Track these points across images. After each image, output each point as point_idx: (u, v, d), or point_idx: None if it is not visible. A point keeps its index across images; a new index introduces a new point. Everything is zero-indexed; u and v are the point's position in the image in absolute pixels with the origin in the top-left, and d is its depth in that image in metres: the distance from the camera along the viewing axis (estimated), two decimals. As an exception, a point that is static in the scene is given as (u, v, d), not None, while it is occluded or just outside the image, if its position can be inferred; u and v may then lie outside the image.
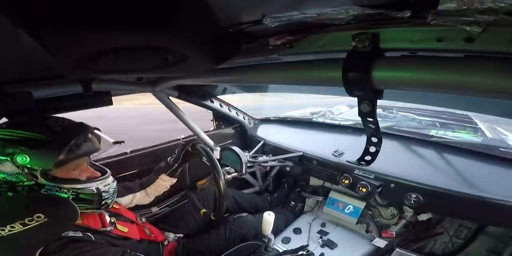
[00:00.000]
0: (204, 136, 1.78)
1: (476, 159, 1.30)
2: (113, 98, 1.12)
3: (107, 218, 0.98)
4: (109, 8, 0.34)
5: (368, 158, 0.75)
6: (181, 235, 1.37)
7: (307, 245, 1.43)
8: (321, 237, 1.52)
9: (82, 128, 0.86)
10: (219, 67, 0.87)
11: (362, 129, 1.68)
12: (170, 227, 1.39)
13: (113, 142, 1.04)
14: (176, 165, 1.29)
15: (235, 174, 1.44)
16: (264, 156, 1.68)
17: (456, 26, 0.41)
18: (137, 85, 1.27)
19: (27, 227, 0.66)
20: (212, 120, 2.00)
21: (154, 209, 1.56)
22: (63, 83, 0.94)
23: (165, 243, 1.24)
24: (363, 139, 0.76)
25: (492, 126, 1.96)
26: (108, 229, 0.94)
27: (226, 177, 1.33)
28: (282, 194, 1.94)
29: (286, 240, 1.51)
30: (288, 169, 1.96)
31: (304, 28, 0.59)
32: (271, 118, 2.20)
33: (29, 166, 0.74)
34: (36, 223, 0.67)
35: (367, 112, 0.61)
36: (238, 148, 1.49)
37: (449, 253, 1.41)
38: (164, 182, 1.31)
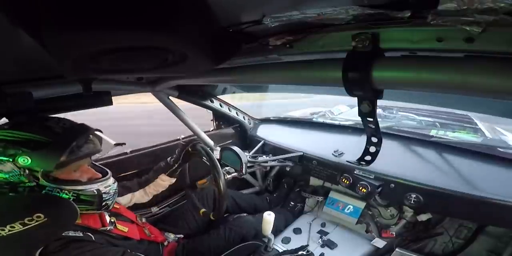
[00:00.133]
0: (204, 136, 1.78)
1: (476, 159, 1.30)
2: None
3: (107, 218, 0.98)
4: (109, 8, 0.34)
5: (368, 158, 0.75)
6: (181, 235, 1.37)
7: (307, 245, 1.43)
8: (321, 237, 1.51)
9: (84, 130, 0.86)
10: (219, 67, 0.87)
11: (362, 129, 1.68)
12: (170, 227, 1.39)
13: (115, 144, 1.04)
14: (176, 165, 1.29)
15: (235, 174, 1.44)
16: (264, 156, 1.68)
17: (456, 26, 0.41)
18: (137, 85, 1.27)
19: (27, 227, 0.66)
20: (212, 120, 2.00)
21: (154, 209, 1.56)
22: (63, 83, 0.94)
23: (165, 243, 1.24)
24: (363, 139, 0.76)
25: (492, 126, 1.96)
26: (108, 228, 0.94)
27: (226, 177, 1.33)
28: (282, 194, 1.94)
29: (286, 240, 1.51)
30: (288, 169, 1.96)
31: (304, 28, 0.59)
32: (271, 118, 2.20)
33: (30, 167, 0.74)
34: (36, 223, 0.67)
35: (367, 112, 0.61)
36: (238, 148, 1.49)
37: (449, 253, 1.41)
38: (163, 182, 1.31)
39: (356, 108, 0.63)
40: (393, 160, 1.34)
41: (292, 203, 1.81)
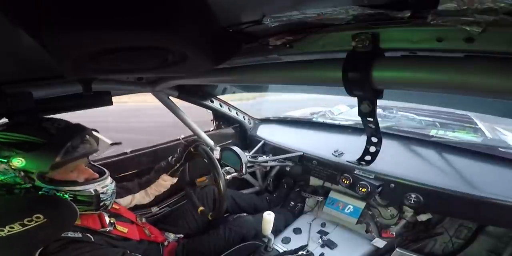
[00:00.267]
0: (204, 136, 1.78)
1: (476, 159, 1.30)
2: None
3: (107, 219, 0.98)
4: (109, 8, 0.34)
5: (368, 158, 0.75)
6: (181, 235, 1.37)
7: (307, 245, 1.43)
8: (321, 237, 1.51)
9: (79, 130, 0.85)
10: (219, 67, 0.87)
11: (362, 129, 1.68)
12: (170, 227, 1.39)
13: (111, 144, 1.04)
14: (178, 165, 1.29)
15: (235, 174, 1.44)
16: (264, 156, 1.68)
17: (456, 26, 0.41)
18: (137, 85, 1.28)
19: (26, 228, 0.66)
20: (212, 120, 2.00)
21: (154, 209, 1.56)
22: (63, 83, 0.94)
23: (165, 243, 1.24)
24: (363, 139, 0.76)
25: (492, 126, 1.96)
26: (108, 229, 0.94)
27: (226, 177, 1.33)
28: (282, 194, 1.94)
29: (286, 240, 1.51)
30: (288, 169, 1.96)
31: (304, 28, 0.59)
32: (271, 118, 2.20)
33: (25, 169, 0.74)
34: (36, 224, 0.66)
35: (367, 112, 0.61)
36: (238, 148, 1.49)
37: (449, 253, 1.41)
38: (165, 182, 1.30)
39: (356, 108, 0.63)
40: (393, 160, 1.34)
41: (292, 203, 1.81)
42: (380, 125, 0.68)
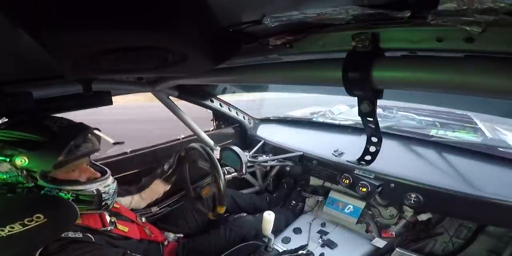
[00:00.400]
0: (204, 136, 1.78)
1: (476, 159, 1.30)
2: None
3: (107, 218, 0.98)
4: (109, 8, 0.34)
5: (368, 158, 0.75)
6: (181, 235, 1.37)
7: (307, 245, 1.43)
8: (321, 237, 1.51)
9: (82, 129, 0.85)
10: (219, 67, 0.86)
11: (362, 129, 1.68)
12: (170, 226, 1.39)
13: (113, 143, 1.04)
14: (170, 170, 1.31)
15: (235, 174, 1.44)
16: (264, 156, 1.68)
17: (456, 26, 0.41)
18: (137, 85, 1.27)
19: (26, 228, 0.66)
20: (212, 120, 2.00)
21: (154, 209, 1.56)
22: (63, 83, 0.94)
23: (165, 243, 1.24)
24: (363, 139, 0.76)
25: (492, 126, 1.96)
26: (109, 228, 0.94)
27: (226, 177, 1.33)
28: (282, 194, 1.94)
29: (286, 240, 1.51)
30: (288, 169, 1.96)
31: (304, 28, 0.59)
32: (271, 118, 2.20)
33: (28, 168, 0.73)
34: (36, 224, 0.66)
35: (367, 112, 0.61)
36: (238, 148, 1.49)
37: (449, 253, 1.41)
38: (158, 188, 1.32)
39: (356, 108, 0.63)
40: (393, 160, 1.34)
41: (294, 202, 1.81)
42: (380, 125, 0.68)
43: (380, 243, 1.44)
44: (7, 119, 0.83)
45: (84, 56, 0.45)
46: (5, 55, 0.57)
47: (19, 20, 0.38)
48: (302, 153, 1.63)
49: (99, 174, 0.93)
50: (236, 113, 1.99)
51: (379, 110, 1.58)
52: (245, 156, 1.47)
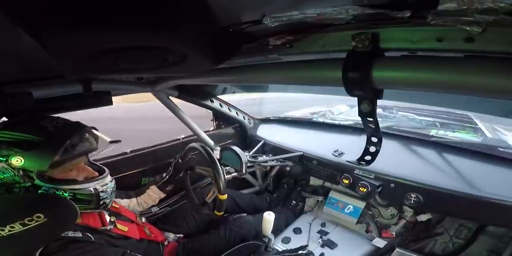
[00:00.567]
0: (204, 136, 1.78)
1: (476, 159, 1.30)
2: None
3: (107, 217, 0.98)
4: (109, 8, 0.34)
5: (368, 158, 0.75)
6: (181, 235, 1.37)
7: (307, 245, 1.43)
8: (321, 237, 1.51)
9: (78, 128, 0.85)
10: (219, 67, 0.87)
11: (362, 129, 1.68)
12: (170, 227, 1.39)
13: (110, 142, 1.04)
14: (167, 177, 1.33)
15: (235, 174, 1.44)
16: (264, 156, 1.68)
17: (456, 26, 0.41)
18: (137, 85, 1.28)
19: (27, 227, 0.66)
20: (212, 120, 2.00)
21: (154, 209, 1.56)
22: (63, 83, 0.94)
23: (165, 243, 1.24)
24: (363, 139, 0.76)
25: (492, 126, 1.96)
26: (108, 228, 0.94)
27: (226, 177, 1.33)
28: (282, 194, 1.94)
29: (286, 240, 1.51)
30: (288, 169, 1.96)
31: (304, 28, 0.59)
32: (271, 118, 2.20)
33: (24, 168, 0.74)
34: (36, 223, 0.66)
35: (367, 112, 0.61)
36: (238, 148, 1.49)
37: (449, 253, 1.41)
38: (153, 194, 1.34)
39: (356, 108, 0.63)
40: (393, 160, 1.34)
41: (294, 202, 1.81)
42: (380, 125, 0.68)
43: (380, 243, 1.44)
44: (7, 119, 0.83)
45: (84, 56, 0.45)
46: (5, 55, 0.57)
47: (19, 20, 0.38)
48: (302, 153, 1.63)
49: (97, 173, 0.93)
50: (236, 113, 1.99)
51: (379, 110, 1.58)
52: (245, 156, 1.47)
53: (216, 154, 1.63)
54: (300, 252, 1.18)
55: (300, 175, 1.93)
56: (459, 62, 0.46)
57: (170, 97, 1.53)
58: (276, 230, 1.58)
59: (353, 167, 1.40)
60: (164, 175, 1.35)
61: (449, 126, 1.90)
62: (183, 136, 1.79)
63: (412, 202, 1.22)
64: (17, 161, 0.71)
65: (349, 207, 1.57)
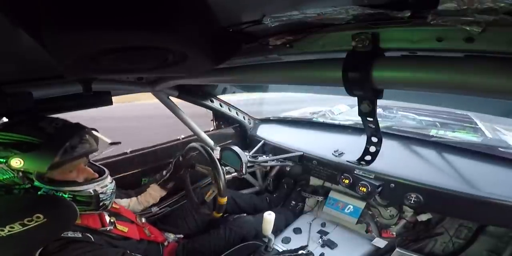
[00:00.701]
0: (204, 136, 1.78)
1: (476, 159, 1.30)
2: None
3: (107, 218, 0.98)
4: (109, 8, 0.34)
5: (368, 158, 0.75)
6: (181, 235, 1.37)
7: (307, 245, 1.43)
8: (321, 237, 1.51)
9: (78, 129, 0.84)
10: (219, 67, 0.87)
11: (362, 129, 1.68)
12: (170, 227, 1.39)
13: (110, 143, 1.04)
14: (168, 175, 1.32)
15: (235, 174, 1.44)
16: (264, 156, 1.68)
17: (456, 26, 0.41)
18: (137, 85, 1.28)
19: (26, 228, 0.66)
20: (212, 120, 2.00)
21: (154, 209, 1.56)
22: (63, 83, 0.94)
23: (165, 243, 1.24)
24: (363, 139, 0.76)
25: (492, 126, 1.96)
26: (108, 228, 0.94)
27: (226, 177, 1.33)
28: (282, 194, 1.94)
29: (286, 240, 1.51)
30: (288, 169, 1.96)
31: (304, 28, 0.59)
32: (271, 118, 2.20)
33: (23, 169, 0.73)
34: (36, 224, 0.66)
35: (367, 112, 0.61)
36: (238, 148, 1.49)
37: (449, 253, 1.41)
38: (154, 193, 1.33)
39: (356, 108, 0.63)
40: (393, 160, 1.34)
41: (293, 202, 1.81)
42: (380, 125, 0.68)
43: (380, 243, 1.44)
44: (7, 120, 0.83)
45: (84, 56, 0.45)
46: (5, 55, 0.57)
47: (19, 20, 0.38)
48: (302, 153, 1.63)
49: (96, 175, 0.92)
50: (236, 113, 1.99)
51: (379, 110, 1.58)
52: (245, 156, 1.46)
53: (216, 154, 1.63)
54: (300, 252, 1.18)
55: (300, 175, 1.93)
56: (459, 62, 0.46)
57: (170, 97, 1.54)
58: (276, 230, 1.58)
59: (353, 167, 1.40)
60: (164, 172, 1.34)
61: (449, 126, 1.90)
62: (183, 136, 1.80)
63: (412, 202, 1.22)
64: (16, 162, 0.71)
65: (349, 207, 1.57)
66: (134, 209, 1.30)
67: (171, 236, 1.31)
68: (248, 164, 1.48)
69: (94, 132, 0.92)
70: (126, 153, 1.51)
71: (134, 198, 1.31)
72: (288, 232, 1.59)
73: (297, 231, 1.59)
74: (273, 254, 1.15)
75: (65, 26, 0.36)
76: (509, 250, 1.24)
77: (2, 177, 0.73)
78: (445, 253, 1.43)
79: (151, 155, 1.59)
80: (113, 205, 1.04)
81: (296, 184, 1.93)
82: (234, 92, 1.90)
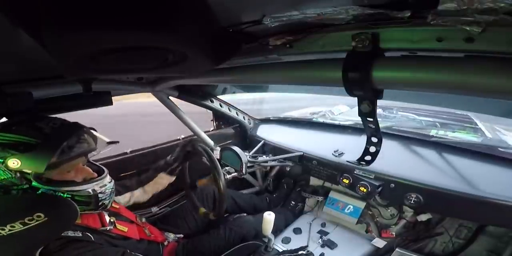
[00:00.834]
0: (204, 136, 1.78)
1: (476, 159, 1.30)
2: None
3: (107, 218, 0.98)
4: (109, 8, 0.34)
5: (368, 158, 0.75)
6: (181, 235, 1.37)
7: (307, 246, 1.43)
8: (321, 237, 1.51)
9: (75, 129, 0.84)
10: (219, 67, 0.87)
11: (362, 129, 1.68)
12: (170, 227, 1.39)
13: (108, 142, 1.03)
14: (176, 163, 1.29)
15: (235, 174, 1.44)
16: (264, 156, 1.68)
17: (456, 26, 0.41)
18: (137, 85, 1.28)
19: (27, 227, 0.66)
20: (212, 120, 2.00)
21: (154, 209, 1.56)
22: (63, 83, 0.94)
23: (165, 243, 1.24)
24: (363, 139, 0.76)
25: (492, 126, 1.96)
26: (108, 228, 0.94)
27: (226, 177, 1.33)
28: (282, 194, 1.94)
29: (286, 240, 1.51)
30: (288, 169, 1.96)
31: (304, 28, 0.59)
32: (271, 118, 2.20)
33: (21, 170, 0.73)
34: (36, 223, 0.66)
35: (367, 112, 0.61)
36: (238, 148, 1.49)
37: (449, 253, 1.41)
38: (163, 180, 1.30)
39: (356, 108, 0.63)
40: (393, 160, 1.34)
41: (293, 202, 1.81)
42: (380, 125, 0.68)
43: (380, 243, 1.44)
44: (6, 119, 0.83)
45: (84, 56, 0.45)
46: (5, 55, 0.57)
47: (19, 20, 0.38)
48: (302, 153, 1.63)
49: (95, 174, 0.92)
50: (236, 113, 1.99)
51: (379, 110, 1.59)
52: (245, 156, 1.47)
53: (216, 154, 1.63)
54: (300, 252, 1.18)
55: (300, 175, 1.93)
56: (459, 62, 0.46)
57: (170, 97, 1.54)
58: (276, 230, 1.58)
59: (353, 167, 1.40)
60: (170, 159, 1.30)
61: (449, 126, 1.90)
62: (183, 136, 1.80)
63: (412, 202, 1.22)
64: (13, 163, 0.70)
65: (349, 207, 1.57)
66: (139, 200, 1.28)
67: (171, 236, 1.31)
68: (248, 164, 1.48)
69: (92, 131, 0.91)
70: (126, 153, 1.51)
71: (136, 191, 1.27)
72: (288, 232, 1.59)
73: (297, 231, 1.59)
74: (273, 254, 1.15)
75: (65, 26, 0.36)
76: (509, 250, 1.24)
77: (0, 178, 0.73)
78: (445, 253, 1.43)
79: (151, 155, 1.59)
80: (113, 205, 1.04)
81: (296, 184, 1.93)
82: (234, 92, 1.90)
